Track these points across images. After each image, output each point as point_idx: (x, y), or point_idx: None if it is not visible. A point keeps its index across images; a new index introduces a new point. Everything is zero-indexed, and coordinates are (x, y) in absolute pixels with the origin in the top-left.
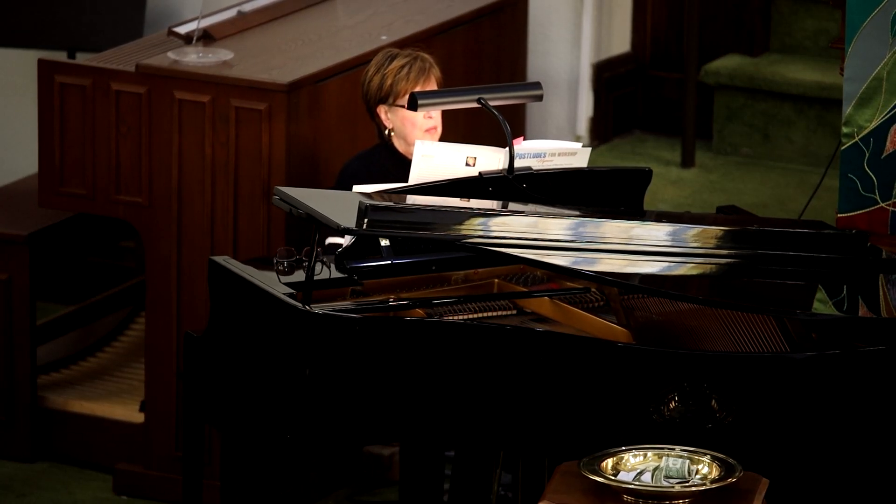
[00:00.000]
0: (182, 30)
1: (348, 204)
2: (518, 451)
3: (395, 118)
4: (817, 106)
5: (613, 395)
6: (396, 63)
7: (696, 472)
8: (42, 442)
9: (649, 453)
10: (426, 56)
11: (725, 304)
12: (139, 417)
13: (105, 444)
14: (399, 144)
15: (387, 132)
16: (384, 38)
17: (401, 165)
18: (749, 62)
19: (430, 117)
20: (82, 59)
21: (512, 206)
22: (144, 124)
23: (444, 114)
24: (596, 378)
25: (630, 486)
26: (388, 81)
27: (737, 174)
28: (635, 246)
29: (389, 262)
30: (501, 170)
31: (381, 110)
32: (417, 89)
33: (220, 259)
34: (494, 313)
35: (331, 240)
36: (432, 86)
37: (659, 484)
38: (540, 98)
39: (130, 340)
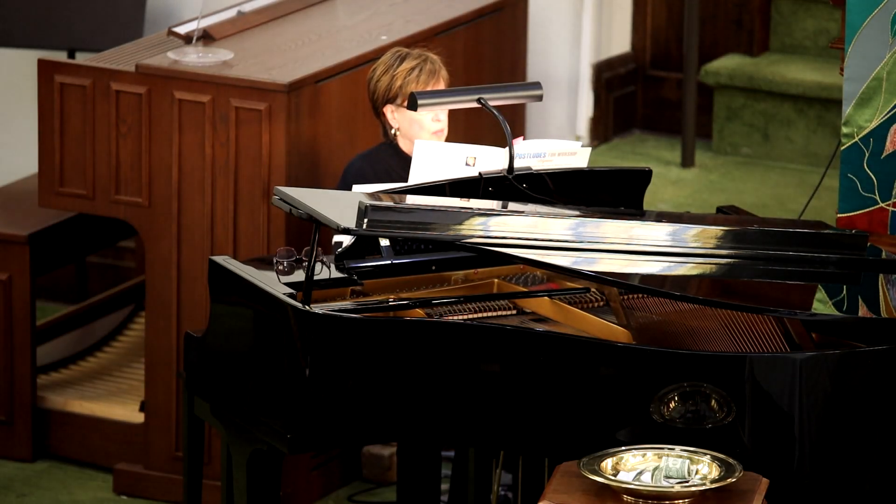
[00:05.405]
0: (182, 30)
1: (348, 204)
2: (518, 451)
3: (402, 119)
4: (817, 106)
5: (613, 395)
6: (406, 65)
7: (696, 472)
8: (42, 442)
9: (649, 453)
10: (435, 57)
11: (725, 304)
12: (139, 417)
13: (105, 444)
14: (404, 144)
15: (392, 132)
16: (384, 38)
17: (405, 165)
18: (749, 62)
19: (439, 120)
20: (82, 59)
21: (512, 206)
22: (144, 124)
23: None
24: (596, 378)
25: (630, 486)
26: (398, 83)
27: (737, 174)
28: (635, 246)
29: (389, 262)
30: (501, 170)
31: (388, 110)
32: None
33: (220, 259)
34: (494, 313)
35: (338, 238)
36: (441, 87)
37: (659, 484)
38: (540, 98)
39: (130, 340)
